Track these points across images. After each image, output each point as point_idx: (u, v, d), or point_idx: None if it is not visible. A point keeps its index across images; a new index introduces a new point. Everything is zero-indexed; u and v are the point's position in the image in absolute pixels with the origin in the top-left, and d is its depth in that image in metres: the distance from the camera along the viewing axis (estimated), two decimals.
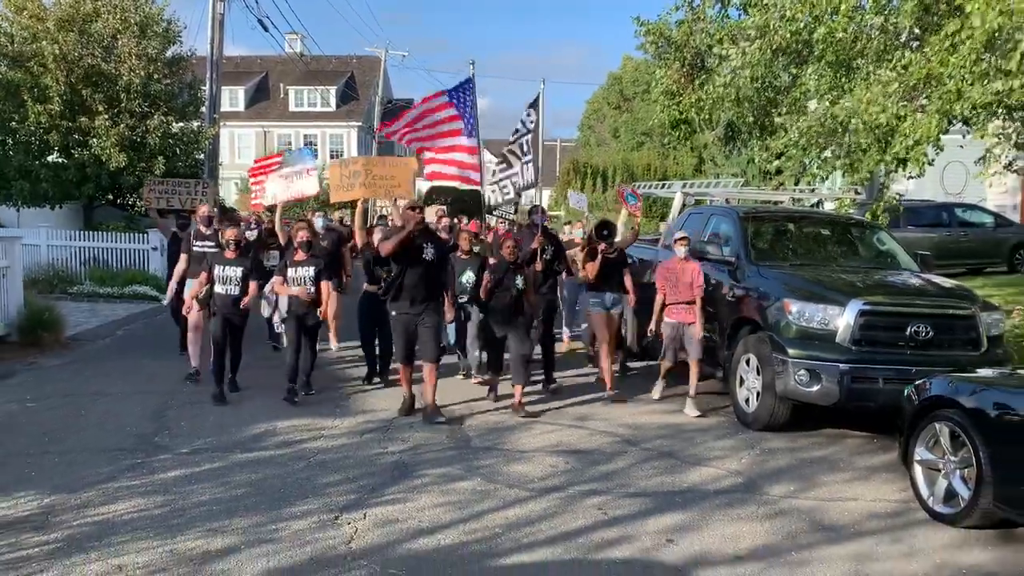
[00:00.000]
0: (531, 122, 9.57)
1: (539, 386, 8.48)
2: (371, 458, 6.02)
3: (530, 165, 9.59)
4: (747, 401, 7.35)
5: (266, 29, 20.35)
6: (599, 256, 8.19)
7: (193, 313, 8.19)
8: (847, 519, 5.11)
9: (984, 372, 5.58)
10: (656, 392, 8.25)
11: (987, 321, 7.06)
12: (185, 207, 10.43)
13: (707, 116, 12.04)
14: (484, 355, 8.34)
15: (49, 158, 16.65)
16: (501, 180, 10.02)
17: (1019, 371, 5.73)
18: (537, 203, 10.19)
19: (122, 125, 16.18)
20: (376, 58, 48.42)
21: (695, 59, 11.98)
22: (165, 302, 10.21)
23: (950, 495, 5.10)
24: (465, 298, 8.22)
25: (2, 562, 4.11)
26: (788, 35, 8.90)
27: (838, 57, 9.43)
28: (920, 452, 5.34)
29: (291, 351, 7.75)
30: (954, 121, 8.18)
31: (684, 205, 10.82)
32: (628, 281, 8.40)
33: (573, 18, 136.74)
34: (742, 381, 7.44)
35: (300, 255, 7.85)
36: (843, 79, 9.61)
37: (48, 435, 6.43)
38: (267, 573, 4.06)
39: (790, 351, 6.82)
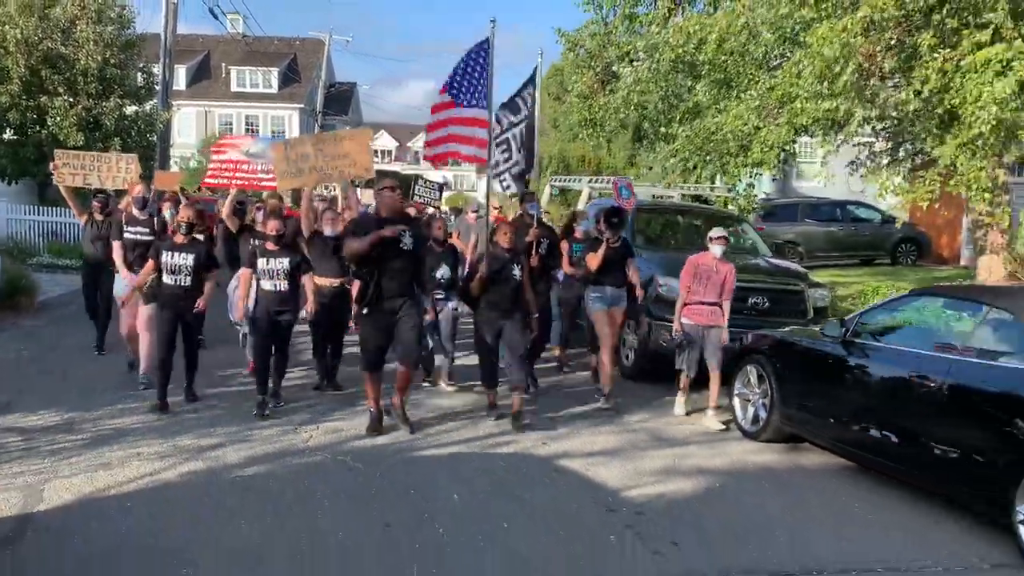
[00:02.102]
0: (529, 105, 8.42)
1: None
2: (321, 393, 7.56)
3: (523, 151, 8.41)
4: (627, 358, 9.10)
5: (216, 18, 21.39)
6: (603, 246, 7.55)
7: (142, 309, 7.30)
8: (679, 435, 6.88)
9: (784, 329, 7.40)
10: (679, 407, 7.49)
11: (814, 296, 8.98)
12: (105, 185, 8.98)
13: (613, 119, 13.85)
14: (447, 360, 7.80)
15: (5, 136, 17.54)
16: (501, 171, 8.51)
17: (802, 327, 7.58)
18: (532, 190, 9.05)
19: (79, 107, 17.18)
20: (320, 41, 49.13)
21: (606, 68, 13.76)
22: (122, 297, 7.61)
23: (755, 418, 6.90)
24: (441, 295, 7.55)
25: (48, 451, 5.57)
26: (673, 57, 10.71)
27: (721, 77, 11.30)
28: (738, 387, 7.14)
29: (258, 355, 7.01)
30: (800, 132, 10.09)
31: (590, 197, 12.55)
32: (633, 274, 7.83)
33: (519, 3, 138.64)
34: (624, 342, 9.18)
35: (271, 245, 6.90)
36: (725, 95, 11.48)
37: (50, 375, 7.79)
38: (247, 458, 5.62)
39: (658, 316, 8.58)
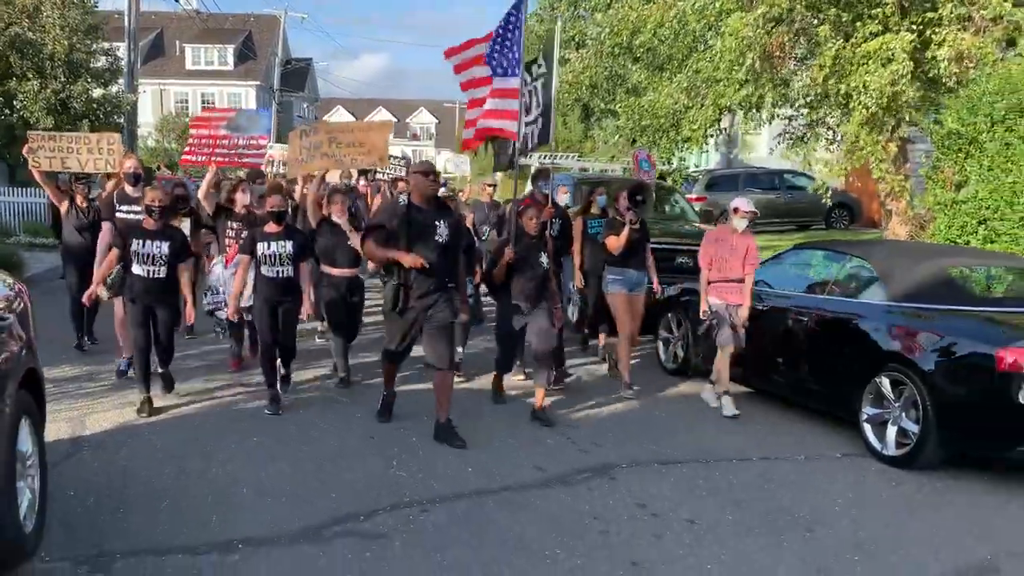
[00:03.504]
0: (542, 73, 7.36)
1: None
2: (311, 351, 8.60)
3: (538, 122, 7.54)
4: (571, 314, 10.31)
5: (177, 1, 21.93)
6: (625, 228, 7.16)
7: (117, 301, 6.85)
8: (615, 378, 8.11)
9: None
10: (728, 407, 6.76)
11: None
12: (87, 169, 8.27)
13: (568, 98, 14.97)
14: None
15: None
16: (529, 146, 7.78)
17: None
18: (546, 167, 8.74)
19: (48, 90, 17.78)
20: (275, 17, 49.31)
21: None
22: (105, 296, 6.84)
23: (675, 357, 8.18)
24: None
25: (78, 394, 6.63)
26: (613, 44, 11.87)
27: (655, 60, 12.50)
28: (662, 333, 8.41)
29: (264, 353, 6.44)
30: (724, 112, 11.34)
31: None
32: (651, 258, 7.62)
33: None
34: (570, 300, 10.40)
35: (273, 227, 6.30)
36: (659, 77, 12.69)
37: (59, 338, 8.71)
38: (249, 396, 6.74)
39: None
